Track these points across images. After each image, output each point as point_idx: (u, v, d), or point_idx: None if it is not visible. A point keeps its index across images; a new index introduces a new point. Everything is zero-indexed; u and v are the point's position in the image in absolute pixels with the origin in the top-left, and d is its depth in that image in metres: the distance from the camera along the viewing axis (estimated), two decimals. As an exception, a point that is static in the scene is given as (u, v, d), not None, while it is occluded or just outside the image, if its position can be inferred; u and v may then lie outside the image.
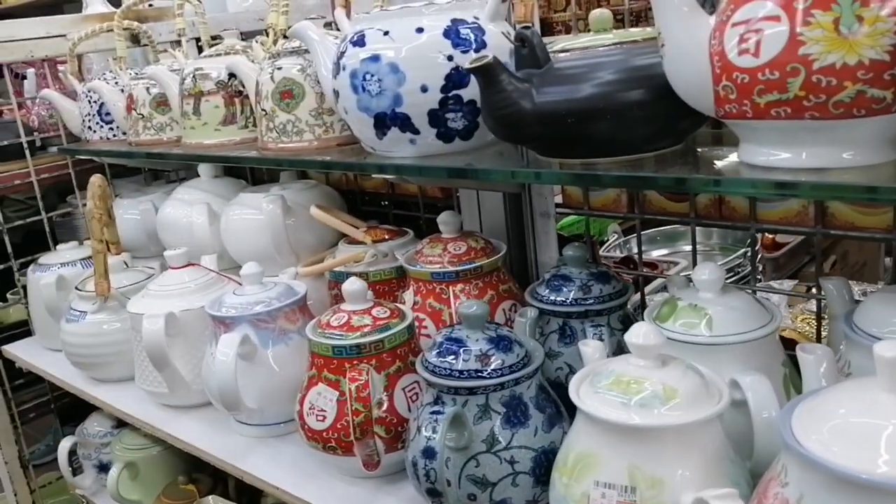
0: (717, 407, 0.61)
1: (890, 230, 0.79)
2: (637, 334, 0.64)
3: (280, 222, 1.18)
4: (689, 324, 0.74)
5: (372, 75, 0.79)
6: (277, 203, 1.17)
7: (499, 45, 0.80)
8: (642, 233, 1.02)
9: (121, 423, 1.46)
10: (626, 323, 0.85)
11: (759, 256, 1.55)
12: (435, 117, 0.80)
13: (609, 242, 1.64)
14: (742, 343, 0.72)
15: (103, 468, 1.43)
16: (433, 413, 0.68)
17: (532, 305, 0.87)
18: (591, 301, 0.85)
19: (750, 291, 0.79)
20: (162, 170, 1.75)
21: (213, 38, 1.37)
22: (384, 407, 0.83)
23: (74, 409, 1.61)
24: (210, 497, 1.29)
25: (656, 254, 1.70)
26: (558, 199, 1.08)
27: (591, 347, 0.72)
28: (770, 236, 1.54)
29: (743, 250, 1.51)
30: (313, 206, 1.13)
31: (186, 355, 1.08)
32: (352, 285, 0.88)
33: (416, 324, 0.94)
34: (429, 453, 0.66)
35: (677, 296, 0.78)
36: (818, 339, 0.93)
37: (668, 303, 0.78)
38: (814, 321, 1.17)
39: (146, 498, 1.35)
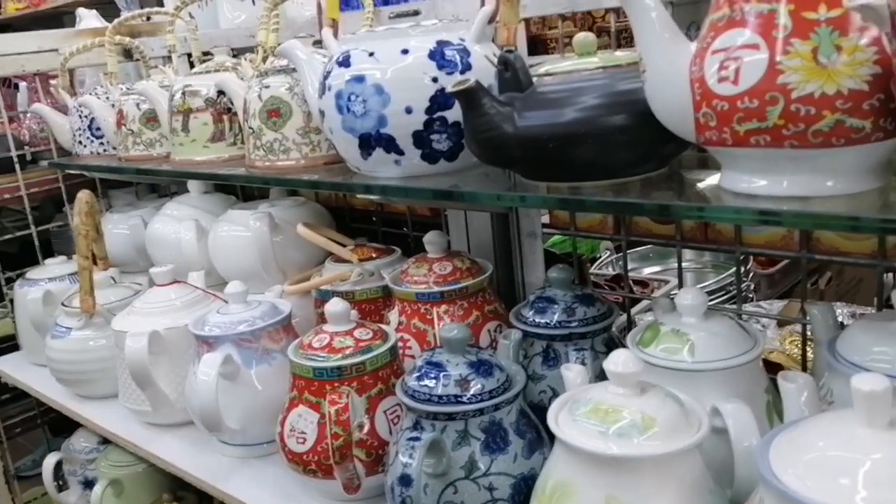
0: (695, 437, 0.60)
1: (874, 256, 0.79)
2: (616, 362, 0.63)
3: (267, 240, 1.17)
4: (671, 349, 0.74)
5: (357, 96, 0.79)
6: (265, 221, 1.17)
7: (484, 66, 0.80)
8: (635, 249, 1.02)
9: (107, 440, 1.45)
10: (611, 346, 0.85)
11: (752, 274, 1.55)
12: (420, 138, 0.79)
13: (601, 259, 1.64)
14: (724, 370, 0.72)
15: (88, 484, 1.42)
16: (411, 439, 0.67)
17: (516, 328, 0.86)
18: (576, 324, 0.85)
19: (734, 316, 0.79)
20: (154, 182, 1.75)
21: (205, 54, 1.37)
22: (365, 430, 0.82)
23: (65, 422, 1.60)
24: (194, 515, 1.28)
25: (648, 271, 1.69)
26: (545, 219, 1.08)
27: (573, 372, 0.71)
28: (764, 253, 1.53)
29: (733, 269, 1.50)
30: (300, 224, 1.13)
31: (170, 374, 1.07)
32: (334, 306, 0.88)
33: (401, 344, 0.93)
34: (405, 480, 0.65)
35: (660, 320, 0.77)
36: (804, 365, 0.93)
37: (651, 327, 0.77)
38: (792, 344, 1.16)
39: (130, 516, 1.34)
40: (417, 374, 0.74)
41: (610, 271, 1.59)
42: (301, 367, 0.85)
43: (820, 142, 0.52)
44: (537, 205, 0.87)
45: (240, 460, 1.00)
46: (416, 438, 0.67)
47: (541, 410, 0.78)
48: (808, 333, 0.91)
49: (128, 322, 1.10)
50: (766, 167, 0.56)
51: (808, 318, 0.80)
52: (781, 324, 1.27)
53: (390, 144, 0.80)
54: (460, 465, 0.70)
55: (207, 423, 0.92)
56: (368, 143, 0.81)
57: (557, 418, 0.65)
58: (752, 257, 1.48)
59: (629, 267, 1.11)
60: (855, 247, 0.79)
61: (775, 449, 0.54)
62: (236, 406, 0.95)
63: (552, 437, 0.69)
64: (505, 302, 1.01)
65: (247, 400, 0.96)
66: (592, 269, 1.57)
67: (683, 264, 0.96)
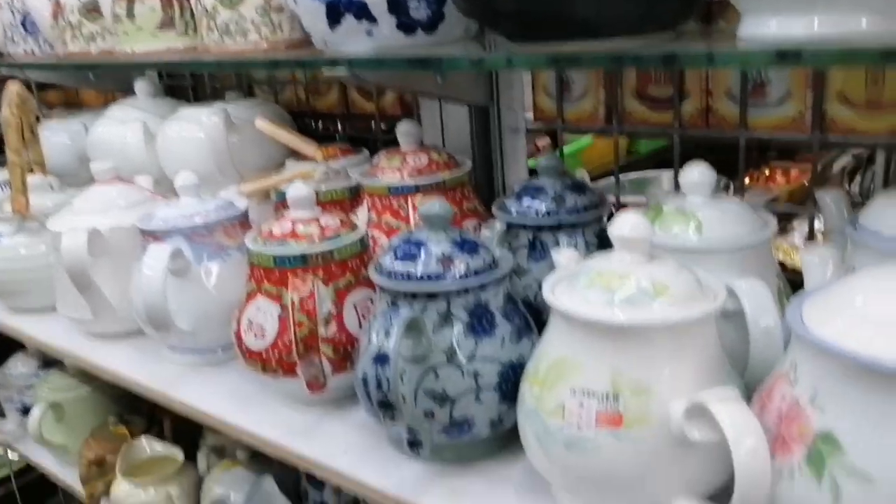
0: (714, 304, 0.53)
1: (894, 134, 0.72)
2: (623, 225, 0.55)
3: (222, 138, 1.07)
4: (676, 229, 0.66)
5: (324, -48, 0.69)
6: (220, 117, 1.07)
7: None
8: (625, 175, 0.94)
9: (47, 364, 1.34)
10: (603, 238, 0.77)
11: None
12: (395, 4, 0.70)
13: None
14: (735, 250, 0.65)
15: (27, 411, 1.31)
16: (387, 318, 0.59)
17: (499, 219, 0.78)
18: (565, 213, 0.77)
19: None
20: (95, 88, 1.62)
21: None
22: (332, 323, 0.74)
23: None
24: (143, 437, 1.18)
25: (632, 198, 1.62)
26: (529, 116, 0.99)
27: (564, 256, 0.64)
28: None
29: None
30: (259, 118, 1.03)
31: (113, 279, 0.97)
32: (297, 191, 0.78)
33: (370, 244, 0.84)
34: (381, 360, 0.57)
35: (662, 202, 0.70)
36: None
37: (653, 208, 0.70)
38: (795, 254, 1.11)
39: (73, 442, 1.24)
40: (393, 252, 0.66)
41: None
42: (260, 255, 0.76)
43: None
44: (525, 65, 0.78)
45: (192, 368, 0.91)
46: (394, 316, 0.59)
47: (527, 306, 0.71)
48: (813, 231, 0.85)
49: (65, 222, 0.99)
50: (796, 4, 0.48)
51: (818, 206, 0.74)
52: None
53: (362, 11, 0.71)
54: (442, 348, 0.62)
55: (154, 321, 0.82)
56: (337, 9, 0.72)
57: (554, 291, 0.57)
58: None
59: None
60: (873, 126, 0.73)
61: (808, 310, 0.47)
62: (187, 306, 0.86)
63: (542, 330, 0.61)
64: (484, 205, 0.93)
65: (198, 300, 0.87)
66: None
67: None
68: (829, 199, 0.72)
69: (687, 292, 0.54)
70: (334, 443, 0.73)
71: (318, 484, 1.07)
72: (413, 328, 0.61)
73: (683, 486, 0.53)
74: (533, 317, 0.70)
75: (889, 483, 0.41)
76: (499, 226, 0.77)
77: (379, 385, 0.58)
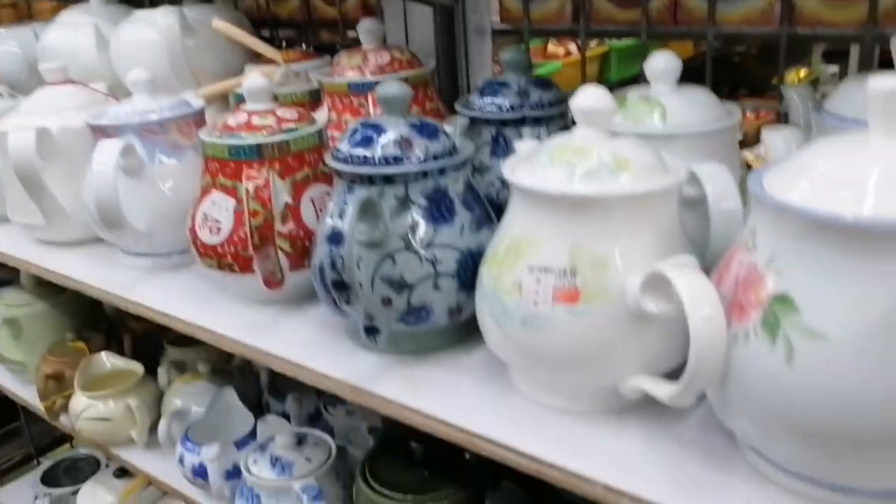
0: (674, 179, 0.52)
1: (863, 24, 0.71)
2: (586, 97, 0.54)
3: (178, 41, 1.03)
4: (640, 116, 0.65)
5: None
6: (175, 18, 1.03)
7: None
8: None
9: (2, 282, 1.31)
10: (567, 135, 0.76)
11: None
12: None
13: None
14: (700, 136, 0.64)
15: (-17, 329, 1.29)
16: (341, 199, 0.57)
17: (462, 114, 0.76)
18: (529, 108, 0.75)
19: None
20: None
21: None
22: (289, 218, 0.72)
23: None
24: (103, 353, 1.17)
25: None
26: (496, 18, 0.96)
27: (527, 145, 0.62)
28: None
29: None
30: (216, 19, 0.99)
31: (65, 183, 0.94)
32: (253, 81, 0.75)
33: (330, 144, 0.82)
34: (336, 239, 0.56)
35: (625, 92, 0.68)
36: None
37: (617, 98, 0.68)
38: (757, 165, 1.10)
39: (30, 358, 1.22)
40: (350, 137, 0.64)
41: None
42: (214, 146, 0.74)
43: None
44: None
45: (150, 272, 0.89)
46: (348, 198, 0.57)
47: (489, 204, 0.70)
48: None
49: (12, 123, 0.95)
50: None
51: (784, 103, 0.72)
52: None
53: None
54: (399, 234, 0.61)
55: (106, 219, 0.79)
56: None
57: (514, 170, 0.56)
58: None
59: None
60: (842, 16, 0.71)
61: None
62: (141, 206, 0.83)
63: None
64: (448, 110, 0.91)
65: (153, 199, 0.84)
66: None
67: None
68: (794, 94, 0.70)
69: (648, 167, 0.53)
70: (292, 338, 0.71)
71: (280, 396, 1.07)
72: (368, 210, 0.59)
73: (640, 365, 0.53)
74: (496, 214, 0.69)
75: (841, 340, 0.40)
76: (461, 121, 0.75)
77: (333, 265, 0.56)
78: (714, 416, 0.53)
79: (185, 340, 1.18)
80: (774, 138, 0.58)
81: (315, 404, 1.03)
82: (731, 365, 0.45)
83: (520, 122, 0.75)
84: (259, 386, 1.12)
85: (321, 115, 0.87)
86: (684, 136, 0.63)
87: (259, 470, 0.88)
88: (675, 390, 0.48)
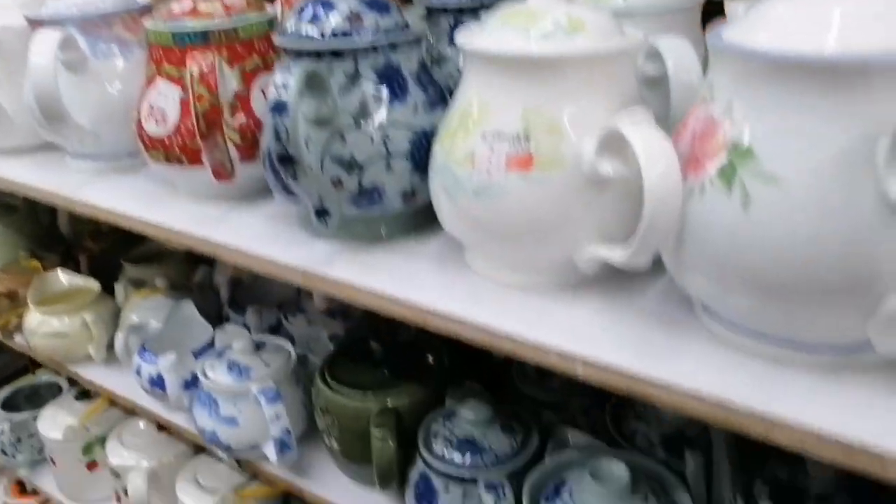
0: (634, 41, 0.50)
1: None
2: (541, -40, 0.51)
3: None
4: (599, -6, 0.63)
5: None
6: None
7: None
8: None
9: (-48, 202, 1.27)
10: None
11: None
12: None
13: None
14: (663, 12, 0.62)
15: (-67, 250, 1.25)
16: (286, 70, 0.54)
17: (419, 3, 0.73)
18: (488, -6, 0.72)
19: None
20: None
21: None
22: (238, 108, 0.69)
23: None
24: (58, 270, 1.14)
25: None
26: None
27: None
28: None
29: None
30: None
31: (7, 85, 0.90)
32: (199, -35, 0.72)
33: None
34: (280, 109, 0.53)
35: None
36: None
37: (577, -24, 0.65)
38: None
39: (-17, 278, 1.19)
40: (299, 15, 0.61)
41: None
42: (158, 34, 0.70)
43: None
44: None
45: (98, 174, 0.86)
46: (293, 67, 0.54)
47: (448, 92, 0.67)
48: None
49: (-52, 22, 0.90)
50: None
51: None
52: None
53: None
54: (349, 111, 0.58)
55: (47, 113, 0.76)
56: None
57: (467, 38, 0.53)
58: None
59: None
60: None
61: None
62: (85, 102, 0.80)
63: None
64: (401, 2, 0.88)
65: (98, 95, 0.81)
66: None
67: None
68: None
69: (605, 30, 0.51)
70: (244, 231, 0.69)
71: (240, 309, 1.05)
72: (315, 85, 0.57)
73: (597, 235, 0.51)
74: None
75: (796, 184, 0.39)
76: (418, 11, 0.72)
77: (278, 136, 0.54)
78: (672, 289, 0.53)
79: (142, 258, 1.16)
80: (737, 7, 0.56)
81: (276, 316, 1.01)
82: (686, 220, 0.44)
83: (478, 9, 0.72)
84: (219, 301, 1.10)
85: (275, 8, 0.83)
86: (646, 14, 0.61)
87: (216, 375, 0.86)
88: (629, 251, 0.47)
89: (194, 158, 0.71)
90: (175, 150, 0.71)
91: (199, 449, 1.12)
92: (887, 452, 0.39)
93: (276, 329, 1.01)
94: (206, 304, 1.08)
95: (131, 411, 1.11)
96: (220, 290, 1.10)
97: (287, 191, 0.60)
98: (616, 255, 0.49)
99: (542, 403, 0.80)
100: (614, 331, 0.51)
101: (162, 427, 1.16)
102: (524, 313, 0.53)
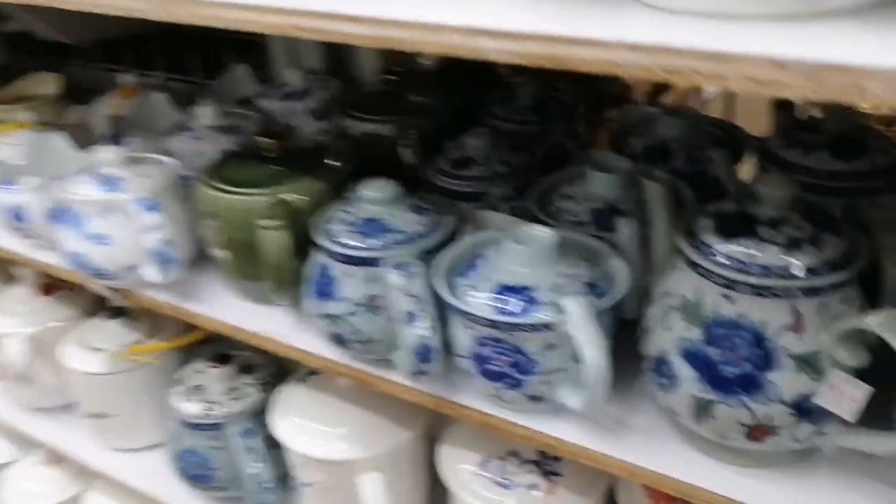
0: None
1: None
2: None
3: None
4: None
5: None
6: None
7: None
8: None
9: None
10: None
11: None
12: None
13: None
14: None
15: None
16: None
17: None
18: None
19: None
20: None
21: None
22: None
23: None
24: None
25: None
26: None
27: None
28: None
29: None
30: None
31: None
32: None
33: None
34: None
35: None
36: None
37: None
38: None
39: None
40: None
41: None
42: None
43: None
44: None
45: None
46: None
47: None
48: None
49: None
50: None
51: None
52: None
53: None
54: None
55: None
56: None
57: None
58: None
59: None
60: None
61: None
62: None
63: None
64: None
65: None
66: None
67: None
68: None
69: None
70: None
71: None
72: None
73: None
74: None
75: None
76: None
77: None
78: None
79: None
80: None
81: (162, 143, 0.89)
82: None
83: None
84: (94, 140, 0.97)
85: None
86: None
87: (83, 189, 0.74)
88: None
89: None
90: None
91: (92, 313, 1.01)
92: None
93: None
94: (82, 142, 0.95)
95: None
96: (98, 129, 0.97)
97: None
98: None
99: (458, 195, 0.70)
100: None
101: (49, 291, 1.06)
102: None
